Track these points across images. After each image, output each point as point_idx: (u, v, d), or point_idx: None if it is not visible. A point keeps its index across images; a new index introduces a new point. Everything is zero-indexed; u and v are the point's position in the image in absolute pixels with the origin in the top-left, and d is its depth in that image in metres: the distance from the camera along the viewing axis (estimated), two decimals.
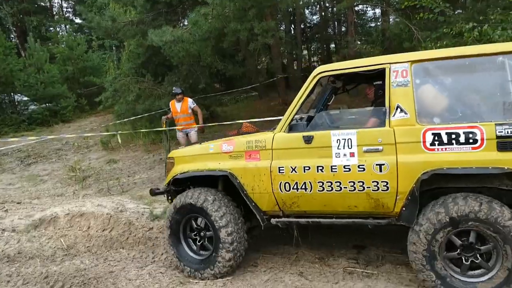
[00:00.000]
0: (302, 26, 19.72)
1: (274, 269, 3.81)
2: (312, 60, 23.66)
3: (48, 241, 4.75)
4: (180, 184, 4.08)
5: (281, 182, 3.39)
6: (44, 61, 17.49)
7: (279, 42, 13.61)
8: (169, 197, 4.21)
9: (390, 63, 3.19)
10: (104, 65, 20.16)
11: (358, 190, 3.14)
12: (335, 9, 16.13)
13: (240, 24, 8.68)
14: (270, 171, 3.42)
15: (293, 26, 19.03)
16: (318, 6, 19.08)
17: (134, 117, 10.86)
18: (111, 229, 4.98)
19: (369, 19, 21.78)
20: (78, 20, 30.56)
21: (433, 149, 2.95)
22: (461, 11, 10.63)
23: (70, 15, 32.02)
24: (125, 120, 11.15)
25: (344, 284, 3.41)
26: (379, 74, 3.31)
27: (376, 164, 3.07)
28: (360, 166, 3.12)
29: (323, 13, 18.96)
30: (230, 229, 3.58)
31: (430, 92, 3.17)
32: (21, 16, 26.28)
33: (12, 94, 17.49)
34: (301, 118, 3.68)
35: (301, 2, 12.90)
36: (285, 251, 4.17)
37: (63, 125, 16.07)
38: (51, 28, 29.47)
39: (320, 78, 3.44)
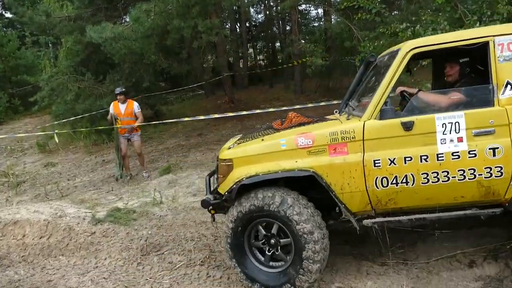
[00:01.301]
0: (247, 25, 19.85)
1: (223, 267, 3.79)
2: (258, 58, 23.91)
3: None
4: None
5: (377, 178, 2.99)
6: None
7: (224, 40, 13.59)
8: (212, 208, 3.48)
9: (494, 36, 2.93)
10: (39, 63, 19.00)
11: (469, 179, 2.90)
12: (279, 8, 16.37)
13: (183, 21, 8.56)
14: (363, 166, 3.00)
15: (238, 24, 19.07)
16: (262, 5, 19.29)
17: (73, 118, 10.33)
18: (49, 236, 4.71)
19: (312, 18, 22.41)
20: (8, 15, 28.44)
21: None
22: (397, 12, 11.24)
23: None
24: (63, 121, 10.58)
25: None
26: (461, 51, 3.09)
27: (489, 148, 2.84)
28: (471, 152, 2.87)
29: (267, 12, 19.17)
30: (316, 236, 3.05)
31: None
32: None
33: None
34: (385, 103, 3.12)
35: (246, 1, 12.96)
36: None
37: None
38: None
39: (413, 54, 3.07)
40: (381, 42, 7.40)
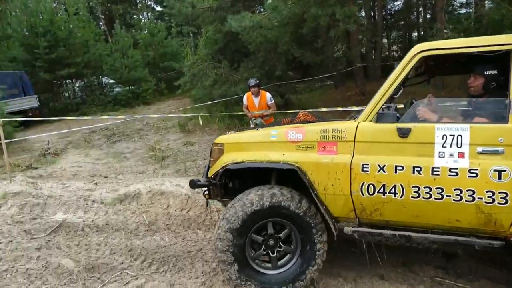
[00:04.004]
0: (383, 13, 18.75)
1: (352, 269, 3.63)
2: (392, 49, 22.51)
3: (131, 216, 4.99)
4: (221, 177, 3.35)
5: (363, 183, 2.80)
6: (128, 46, 18.63)
7: (359, 29, 13.05)
8: (207, 193, 3.58)
9: None
10: (182, 51, 20.96)
11: (466, 201, 2.57)
12: None
13: (321, 9, 8.41)
14: (350, 168, 2.82)
15: (373, 12, 18.14)
16: None
17: (210, 102, 11.12)
18: (189, 210, 5.10)
19: (458, 5, 20.12)
20: (158, 8, 32.05)
21: None
22: None
23: (152, 3, 33.65)
24: (202, 104, 11.46)
25: None
26: (490, 63, 2.77)
27: (494, 170, 2.50)
28: (472, 171, 2.54)
29: None
30: (324, 237, 3.10)
31: None
32: (108, 4, 28.18)
33: (100, 77, 18.94)
34: (388, 107, 2.98)
35: None
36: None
37: (144, 107, 17.00)
38: (135, 16, 31.32)
39: (422, 58, 2.78)
40: None
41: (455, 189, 2.58)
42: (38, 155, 9.76)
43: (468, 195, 2.56)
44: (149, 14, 31.76)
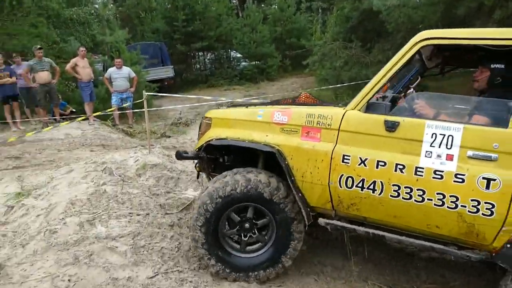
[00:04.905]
0: None
1: None
2: None
3: None
4: (212, 151, 3.40)
5: (342, 175, 2.69)
6: (258, 21, 18.77)
7: None
8: (198, 165, 3.63)
9: None
10: (310, 27, 20.46)
11: (448, 207, 2.41)
12: None
13: None
14: (331, 158, 2.72)
15: None
16: None
17: (339, 85, 10.55)
18: None
19: None
20: None
21: None
22: None
23: None
24: (329, 87, 10.95)
25: None
26: (502, 55, 2.58)
27: (483, 178, 2.31)
28: (459, 176, 2.37)
29: None
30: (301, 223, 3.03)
31: None
32: None
33: (229, 50, 19.56)
34: (383, 97, 2.87)
35: None
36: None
37: (267, 82, 17.12)
38: None
39: (423, 46, 2.60)
40: None
41: (437, 193, 2.44)
42: (171, 124, 10.46)
43: (451, 201, 2.41)
44: None
